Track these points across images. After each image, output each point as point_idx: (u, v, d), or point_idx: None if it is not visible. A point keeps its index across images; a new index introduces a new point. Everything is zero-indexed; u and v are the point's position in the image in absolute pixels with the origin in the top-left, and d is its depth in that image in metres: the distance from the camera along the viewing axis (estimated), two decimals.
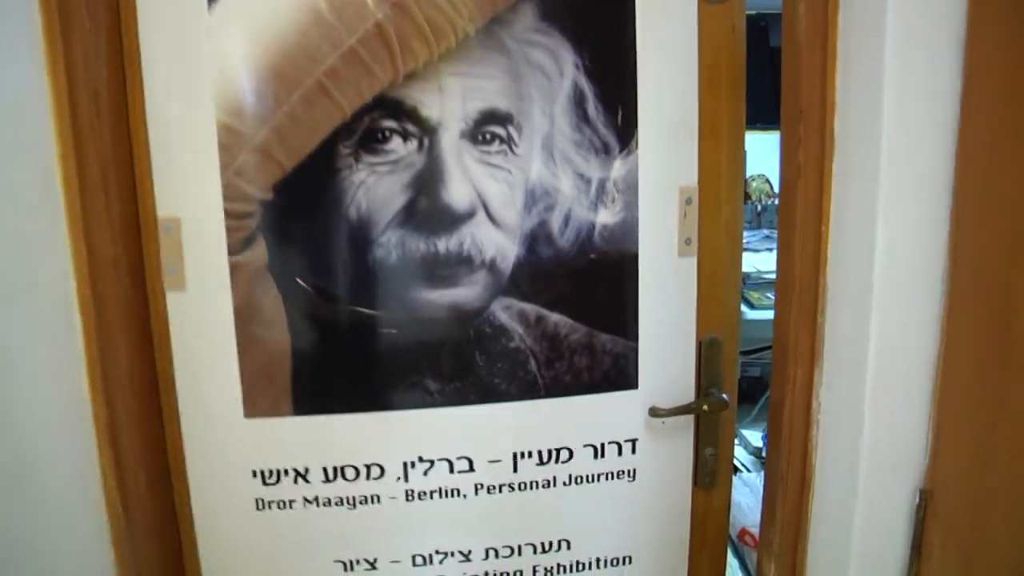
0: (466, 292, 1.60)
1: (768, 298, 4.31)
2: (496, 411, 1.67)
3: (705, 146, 1.66)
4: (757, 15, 5.32)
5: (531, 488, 1.73)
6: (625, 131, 1.61)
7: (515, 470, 1.71)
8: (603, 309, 1.66)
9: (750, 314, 4.26)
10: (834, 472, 1.43)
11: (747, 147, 5.24)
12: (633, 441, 1.73)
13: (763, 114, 5.70)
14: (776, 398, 1.52)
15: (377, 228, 1.56)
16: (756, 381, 5.09)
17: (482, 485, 1.71)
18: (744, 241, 4.97)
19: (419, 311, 1.60)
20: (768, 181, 5.57)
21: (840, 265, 1.39)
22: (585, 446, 1.72)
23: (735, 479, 2.68)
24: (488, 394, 1.66)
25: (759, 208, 5.44)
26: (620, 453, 1.74)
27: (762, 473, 3.03)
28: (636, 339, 1.68)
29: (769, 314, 4.39)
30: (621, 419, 1.72)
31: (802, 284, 1.44)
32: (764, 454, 3.25)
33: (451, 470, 1.69)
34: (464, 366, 1.64)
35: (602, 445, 1.73)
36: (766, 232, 5.10)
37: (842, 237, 1.39)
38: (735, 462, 2.99)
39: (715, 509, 1.81)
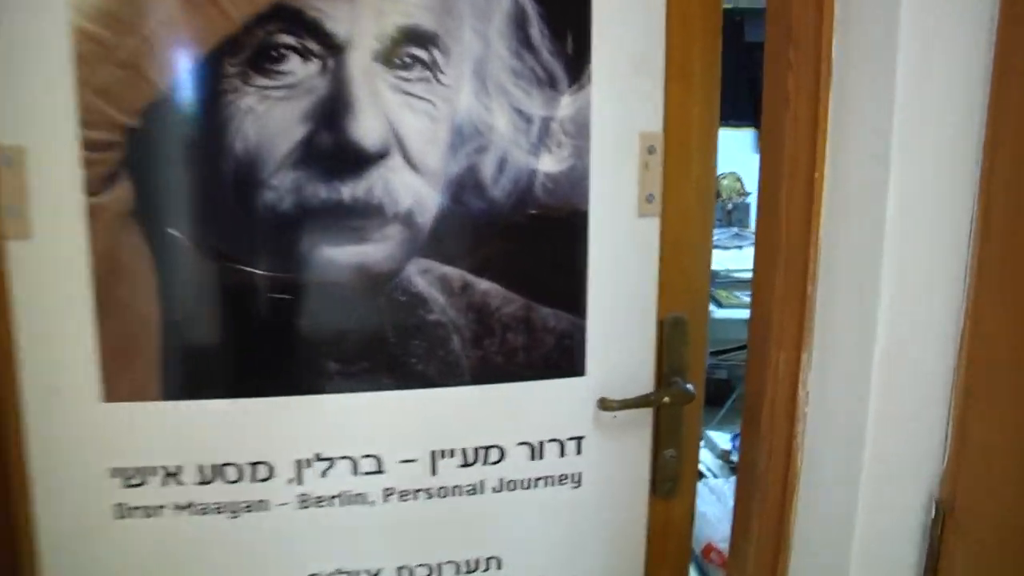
0: (376, 250, 1.29)
1: (737, 297, 4.06)
2: (411, 399, 1.36)
3: (673, 88, 1.37)
4: (733, 9, 5.12)
5: (453, 494, 1.41)
6: (576, 62, 1.31)
7: (434, 472, 1.39)
8: (544, 277, 1.36)
9: (718, 313, 4.03)
10: (824, 477, 1.13)
11: (720, 144, 5.08)
12: (579, 439, 1.43)
13: (736, 111, 5.57)
14: (753, 388, 1.23)
15: (268, 167, 1.25)
16: (723, 383, 4.83)
17: (393, 490, 1.39)
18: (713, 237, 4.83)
19: (318, 272, 1.29)
20: (739, 179, 5.39)
21: (838, 219, 1.10)
22: (520, 444, 1.41)
23: (700, 486, 2.39)
24: (401, 378, 1.35)
25: (729, 206, 5.27)
26: (563, 453, 1.43)
27: (732, 480, 2.76)
28: (584, 315, 1.37)
29: (738, 313, 4.14)
30: (565, 412, 1.41)
31: (789, 244, 1.14)
32: (734, 458, 2.99)
33: (355, 471, 1.37)
34: (372, 343, 1.33)
35: (541, 444, 1.42)
36: (736, 230, 4.92)
37: (841, 183, 1.09)
38: (700, 466, 2.71)
39: (676, 521, 1.50)
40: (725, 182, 5.35)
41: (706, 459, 3.37)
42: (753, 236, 4.92)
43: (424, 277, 1.31)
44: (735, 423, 4.22)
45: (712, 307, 4.00)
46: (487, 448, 1.41)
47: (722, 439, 3.41)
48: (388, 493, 1.39)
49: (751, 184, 5.36)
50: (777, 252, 1.16)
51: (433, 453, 1.39)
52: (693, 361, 1.44)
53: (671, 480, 1.47)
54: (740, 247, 4.60)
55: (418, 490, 1.40)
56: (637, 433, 1.45)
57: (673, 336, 1.42)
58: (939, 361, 1.00)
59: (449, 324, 1.34)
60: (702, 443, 3.25)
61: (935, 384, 1.01)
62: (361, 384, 1.34)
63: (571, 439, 1.43)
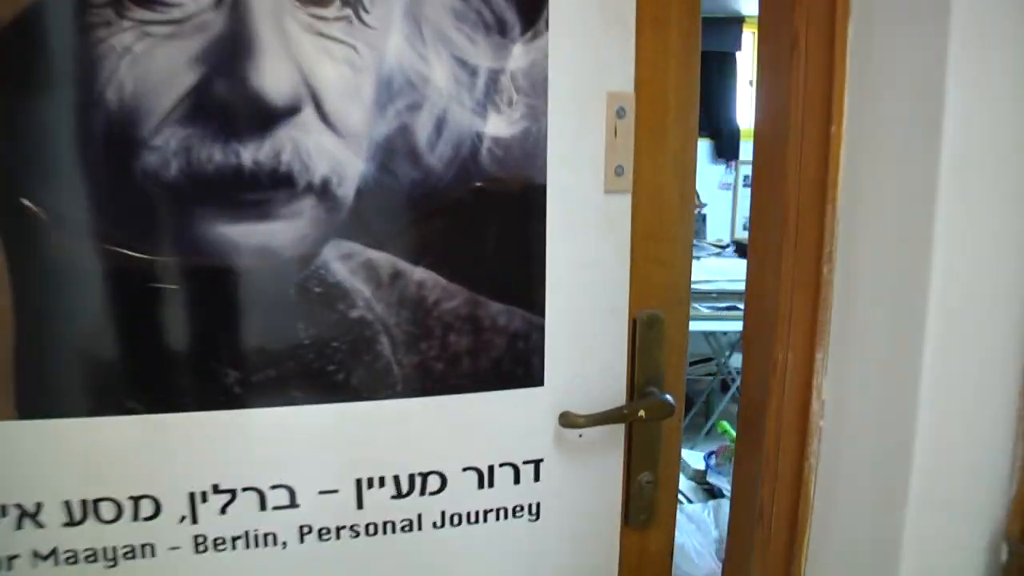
0: (284, 230, 1.03)
1: (696, 309, 3.84)
2: (330, 416, 1.09)
3: (646, 39, 1.13)
4: None
5: (384, 532, 1.15)
6: (530, 3, 1.06)
7: (359, 505, 1.13)
8: (494, 265, 1.10)
9: None
10: (848, 512, 0.89)
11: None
12: (536, 463, 1.17)
13: None
14: (752, 398, 0.98)
15: (149, 123, 0.99)
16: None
17: (310, 528, 1.12)
18: None
19: (211, 257, 1.02)
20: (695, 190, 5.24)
21: (864, 181, 0.86)
22: (466, 470, 1.15)
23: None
24: (318, 390, 1.08)
25: None
26: (517, 480, 1.17)
27: (713, 504, 2.52)
28: (541, 312, 1.12)
29: (697, 326, 3.94)
30: (519, 430, 1.16)
31: (799, 215, 0.90)
32: (712, 479, 2.78)
33: (263, 505, 1.10)
34: (280, 346, 1.06)
35: (491, 469, 1.16)
36: (694, 242, 4.68)
37: (868, 133, 0.85)
38: None
39: (654, 555, 1.26)
40: None
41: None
42: (712, 248, 4.70)
43: (345, 264, 1.05)
44: (693, 441, 4.05)
45: None
46: (425, 475, 1.14)
47: (694, 458, 3.14)
48: (304, 532, 1.12)
49: (707, 195, 5.19)
50: (782, 225, 0.92)
51: (358, 482, 1.12)
52: (671, 367, 1.19)
53: (647, 509, 1.22)
54: (698, 258, 4.42)
55: (340, 527, 1.13)
56: (606, 454, 1.20)
57: (648, 338, 1.17)
58: (1008, 363, 0.76)
59: (376, 322, 1.07)
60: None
61: (1002, 392, 0.76)
62: (267, 398, 1.07)
63: (527, 462, 1.17)
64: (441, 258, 1.08)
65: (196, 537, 1.10)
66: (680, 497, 2.57)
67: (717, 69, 5.28)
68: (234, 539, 1.10)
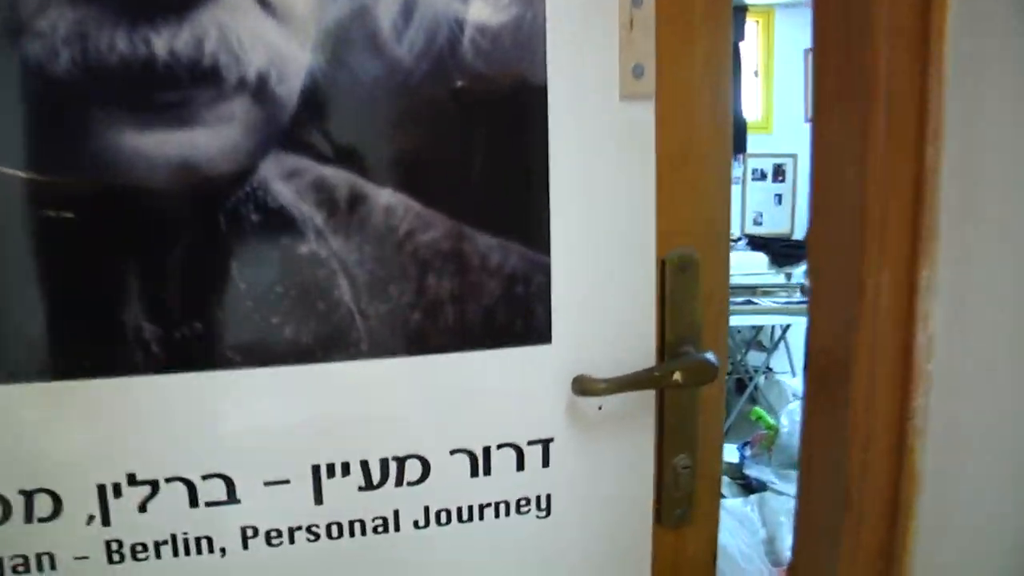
0: (210, 140, 0.79)
1: None
2: (275, 383, 0.85)
3: None
4: None
5: (351, 534, 0.89)
6: None
7: (318, 500, 0.88)
8: (482, 188, 0.86)
9: None
10: (976, 488, 0.61)
11: None
12: (545, 443, 0.92)
13: None
14: (823, 341, 0.73)
15: (30, 1, 0.74)
16: None
17: (255, 531, 0.87)
18: None
19: (116, 175, 0.79)
20: None
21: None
22: (454, 453, 0.90)
23: None
24: (258, 350, 0.84)
25: None
26: (521, 466, 0.91)
27: (752, 499, 2.26)
28: (546, 248, 0.87)
29: None
30: (521, 401, 0.91)
31: (890, 71, 0.64)
32: (749, 472, 2.49)
33: (193, 501, 0.85)
34: (208, 292, 0.81)
35: (487, 451, 0.90)
36: None
37: None
38: None
39: (693, 560, 1.01)
40: None
41: None
42: None
43: (290, 184, 0.80)
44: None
45: None
46: (402, 460, 0.89)
47: (724, 450, 2.80)
48: (247, 535, 0.87)
49: None
50: (867, 93, 0.66)
51: (316, 470, 0.87)
52: (711, 322, 0.94)
53: (684, 502, 0.96)
54: None
55: (294, 529, 0.88)
56: (633, 432, 0.94)
57: (680, 284, 0.92)
58: None
59: (332, 260, 0.83)
60: None
61: None
62: (194, 359, 0.82)
63: (533, 443, 0.92)
64: (414, 177, 0.84)
65: (109, 543, 0.84)
66: None
67: None
68: (158, 545, 0.85)
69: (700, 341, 0.92)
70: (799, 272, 4.10)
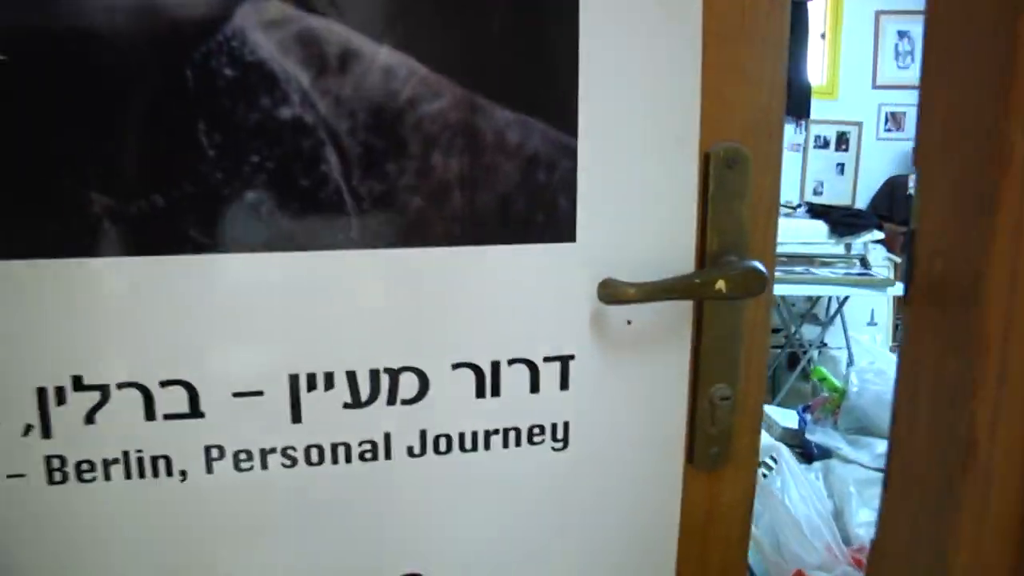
0: None
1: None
2: (249, 273, 0.72)
3: None
4: None
5: (333, 459, 0.77)
6: None
7: (296, 417, 0.75)
8: (499, 51, 0.73)
9: None
10: None
11: None
12: (564, 360, 0.79)
13: None
14: (931, 244, 0.59)
15: None
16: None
17: (220, 451, 0.75)
18: None
19: (62, 16, 0.65)
20: None
21: None
22: (457, 367, 0.77)
23: (763, 481, 1.73)
24: (228, 231, 0.70)
25: None
26: (536, 387, 0.79)
27: (815, 466, 2.03)
28: (573, 128, 0.74)
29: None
30: (539, 309, 0.78)
31: None
32: (812, 437, 2.18)
33: (149, 413, 0.73)
34: (171, 160, 0.68)
35: (495, 367, 0.78)
36: None
37: None
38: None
39: (728, 508, 0.87)
40: None
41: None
42: (782, 208, 4.29)
43: (272, 35, 0.68)
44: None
45: None
46: (396, 372, 0.76)
47: (782, 415, 2.49)
48: (212, 456, 0.74)
49: None
50: None
51: (294, 380, 0.74)
52: (759, 229, 0.81)
53: (721, 440, 0.83)
54: None
55: (267, 451, 0.75)
56: (666, 353, 0.81)
57: (727, 182, 0.79)
58: None
59: (320, 128, 0.70)
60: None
61: None
62: (152, 239, 0.69)
63: (550, 360, 0.79)
64: (419, 33, 0.71)
65: (49, 460, 0.72)
66: (768, 460, 1.99)
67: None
68: (107, 464, 0.73)
69: (746, 249, 0.80)
70: (859, 243, 3.94)
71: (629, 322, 0.79)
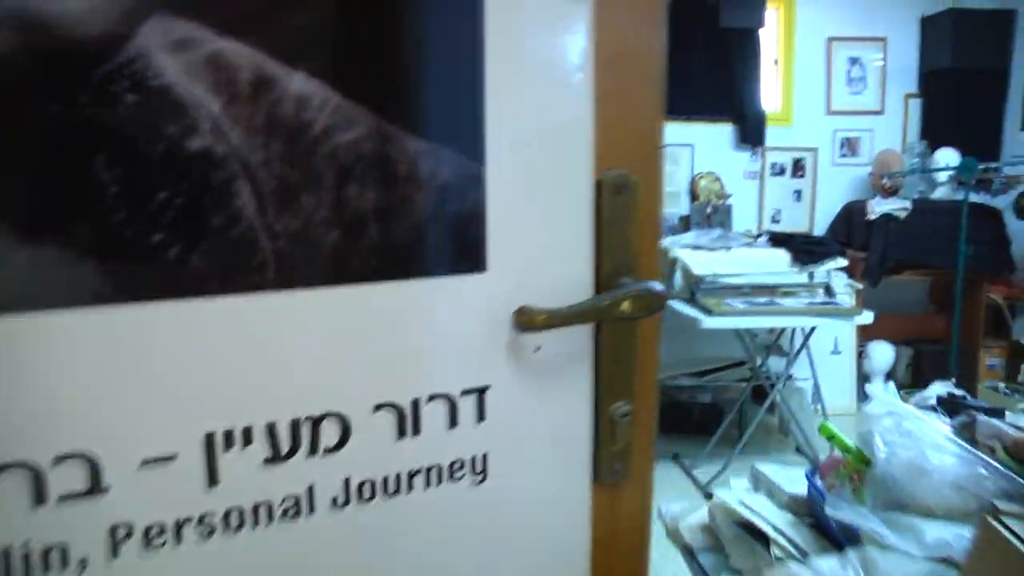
0: None
1: (729, 306, 3.49)
2: (156, 322, 0.64)
3: None
4: None
5: (255, 522, 0.71)
6: None
7: (212, 480, 0.69)
8: (413, 77, 0.72)
9: (707, 323, 3.38)
10: None
11: (692, 141, 4.41)
12: (480, 392, 0.79)
13: (710, 103, 4.67)
14: None
15: None
16: (708, 409, 4.18)
17: (130, 530, 0.66)
18: (695, 239, 3.90)
19: None
20: (719, 179, 4.82)
21: None
22: (379, 409, 0.75)
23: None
24: (133, 276, 0.62)
25: (708, 209, 4.66)
26: (454, 421, 0.78)
27: (851, 555, 1.68)
28: (482, 158, 0.74)
29: (730, 322, 3.24)
30: (455, 341, 0.78)
31: None
32: (823, 515, 1.78)
33: (40, 495, 0.62)
34: (65, 195, 0.60)
35: (415, 405, 0.76)
36: (720, 231, 4.24)
37: None
38: (763, 526, 1.89)
39: (630, 520, 0.91)
40: (703, 183, 4.79)
41: (766, 511, 1.99)
42: (742, 238, 4.05)
43: (179, 57, 0.62)
44: (726, 457, 3.58)
45: (700, 315, 3.42)
46: (317, 420, 0.71)
47: (784, 476, 2.10)
48: (119, 536, 0.65)
49: (731, 185, 4.84)
50: None
51: (209, 439, 0.67)
52: (646, 252, 0.86)
53: (623, 455, 0.87)
54: (728, 248, 3.89)
55: (183, 522, 0.67)
56: (572, 376, 0.84)
57: (617, 208, 0.83)
58: None
59: (233, 160, 0.65)
60: (750, 485, 2.21)
61: None
62: (42, 289, 0.60)
63: (468, 392, 0.78)
64: (334, 58, 0.68)
65: None
66: (781, 540, 1.78)
67: (738, 48, 4.77)
68: None
69: (637, 270, 0.84)
70: (822, 271, 3.85)
71: (538, 348, 0.80)
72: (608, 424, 0.85)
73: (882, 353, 4.53)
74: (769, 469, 2.16)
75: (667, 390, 3.95)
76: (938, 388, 2.20)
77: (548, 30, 0.77)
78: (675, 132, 4.68)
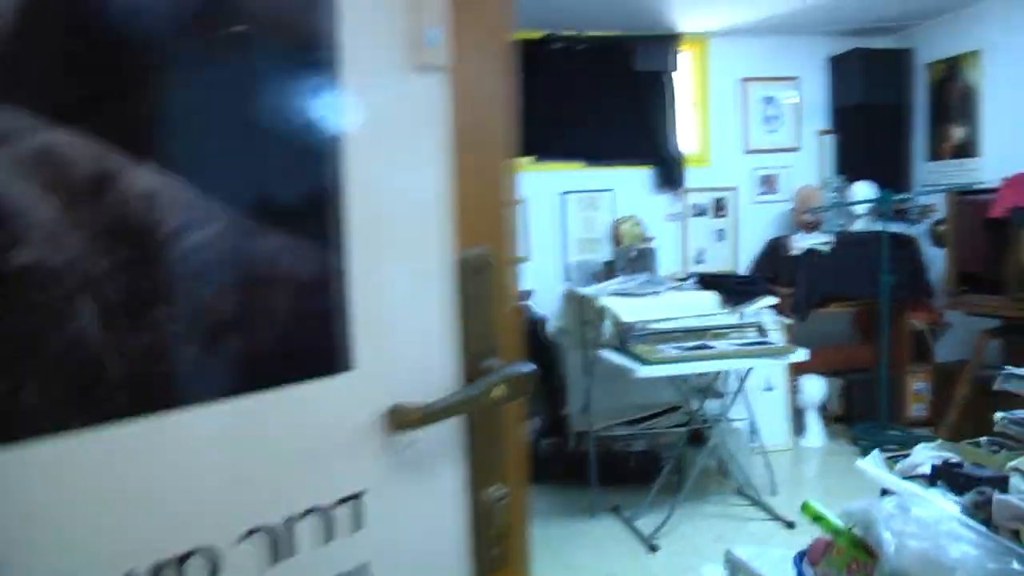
0: None
1: (662, 352, 3.42)
2: None
3: None
4: (620, 38, 4.77)
5: None
6: None
7: None
8: (269, 168, 0.68)
9: (643, 371, 3.32)
10: None
11: (612, 186, 4.36)
12: (355, 499, 0.74)
13: (630, 150, 4.68)
14: None
15: None
16: (644, 457, 4.08)
17: None
18: (621, 285, 3.88)
19: None
20: (640, 223, 4.81)
21: None
22: (250, 534, 0.69)
23: None
24: None
25: (632, 254, 4.61)
26: (330, 535, 0.73)
27: None
28: (339, 248, 0.70)
29: (666, 370, 3.17)
30: (326, 448, 0.74)
31: None
32: None
33: None
34: None
35: (288, 525, 0.71)
36: (646, 276, 4.22)
37: None
38: None
39: None
40: (625, 227, 4.76)
41: None
42: (669, 282, 4.02)
43: None
44: (663, 505, 3.46)
45: (634, 364, 3.37)
46: (182, 560, 0.65)
47: (759, 560, 1.91)
48: None
49: (654, 228, 4.84)
50: None
51: None
52: (509, 330, 0.83)
53: (499, 539, 0.83)
54: (656, 292, 3.87)
55: None
56: (446, 468, 0.81)
57: (477, 288, 0.80)
58: None
59: (69, 272, 0.59)
60: (725, 572, 1.97)
61: None
62: None
63: (343, 501, 0.74)
64: (184, 149, 0.63)
65: None
66: None
67: (652, 91, 4.83)
68: None
69: (500, 350, 0.81)
70: (752, 310, 3.88)
71: (412, 442, 0.76)
72: (484, 510, 0.82)
73: (814, 386, 4.58)
74: (747, 553, 1.94)
75: (602, 440, 3.89)
76: (925, 453, 1.91)
77: (407, 112, 0.75)
78: (595, 178, 4.76)
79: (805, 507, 1.79)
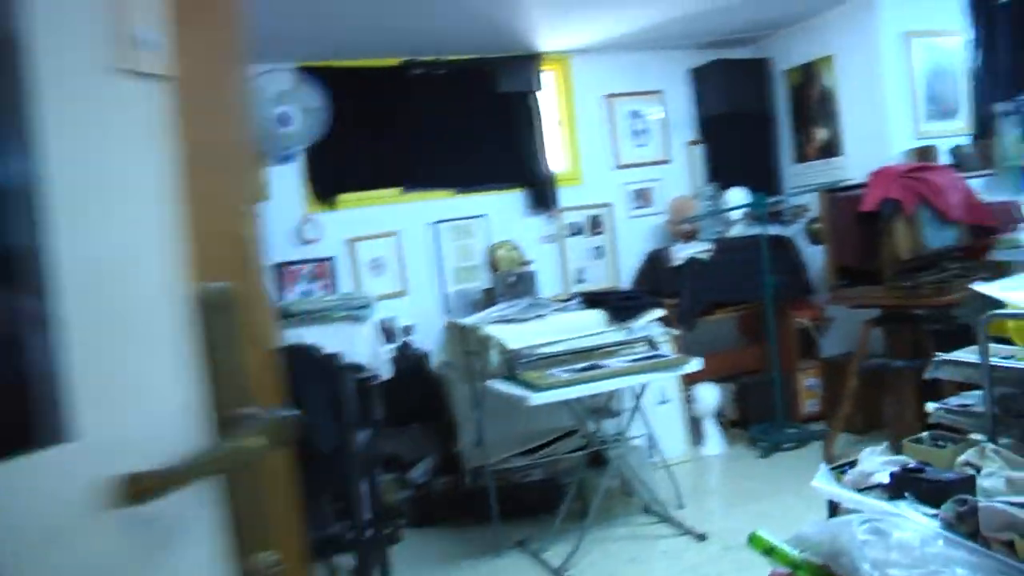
0: None
1: (553, 376, 3.34)
2: None
3: None
4: (481, 60, 4.69)
5: None
6: None
7: None
8: None
9: (535, 398, 3.21)
10: None
11: (485, 212, 4.34)
12: None
13: (500, 173, 4.65)
14: None
15: None
16: (545, 485, 3.96)
17: None
18: (503, 312, 3.83)
19: None
20: (516, 247, 4.71)
21: None
22: None
23: None
24: None
25: (511, 279, 4.52)
26: None
27: None
28: (50, 293, 0.64)
29: (559, 395, 3.11)
30: (32, 538, 0.65)
31: None
32: None
33: None
34: None
35: None
36: (529, 300, 4.10)
37: None
38: None
39: None
40: (501, 252, 4.65)
41: None
42: (552, 304, 3.94)
43: None
44: (570, 533, 3.38)
45: (526, 392, 3.26)
46: None
47: None
48: None
49: (531, 251, 4.75)
50: None
51: None
52: (261, 369, 0.77)
53: None
54: (541, 316, 3.79)
55: None
56: (199, 537, 0.73)
57: (219, 327, 0.74)
58: None
59: None
60: None
61: None
62: None
63: None
64: None
65: None
66: None
67: (518, 112, 4.77)
68: None
69: (254, 395, 0.75)
70: (640, 325, 3.80)
71: (151, 514, 0.68)
72: None
73: (708, 394, 4.60)
74: None
75: (499, 474, 3.81)
76: (875, 460, 1.78)
77: (117, 123, 0.68)
78: (467, 204, 4.71)
79: (754, 539, 1.65)
